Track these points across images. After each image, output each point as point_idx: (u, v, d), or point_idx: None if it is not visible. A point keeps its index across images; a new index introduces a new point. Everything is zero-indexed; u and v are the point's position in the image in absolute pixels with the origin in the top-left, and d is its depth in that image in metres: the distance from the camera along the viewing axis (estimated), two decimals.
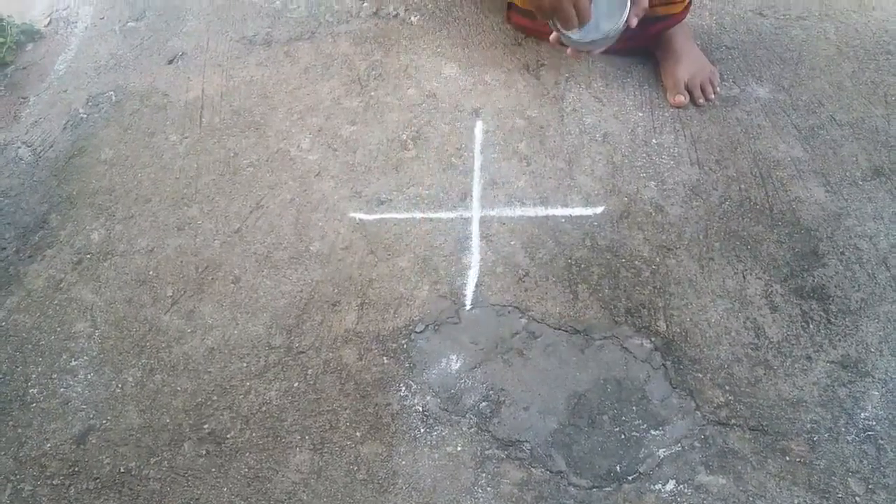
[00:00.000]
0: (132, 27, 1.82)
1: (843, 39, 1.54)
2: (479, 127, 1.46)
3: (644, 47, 1.51)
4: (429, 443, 1.09)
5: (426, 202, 1.36)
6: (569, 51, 1.25)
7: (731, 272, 1.21)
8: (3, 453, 1.15)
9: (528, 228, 1.30)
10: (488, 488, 1.04)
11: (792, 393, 1.09)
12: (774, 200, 1.29)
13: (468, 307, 1.22)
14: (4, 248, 1.39)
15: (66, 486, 1.10)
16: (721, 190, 1.32)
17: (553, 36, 1.22)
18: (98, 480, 1.10)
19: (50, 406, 1.19)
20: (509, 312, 1.21)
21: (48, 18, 1.89)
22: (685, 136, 1.40)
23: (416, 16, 1.70)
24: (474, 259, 1.27)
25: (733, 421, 1.07)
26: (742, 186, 1.32)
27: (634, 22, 1.18)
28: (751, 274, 1.21)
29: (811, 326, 1.15)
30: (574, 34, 1.19)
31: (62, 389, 1.20)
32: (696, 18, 1.61)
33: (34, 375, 1.22)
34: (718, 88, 1.46)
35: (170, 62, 1.70)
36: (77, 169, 1.51)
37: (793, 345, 1.13)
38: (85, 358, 1.23)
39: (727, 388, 1.10)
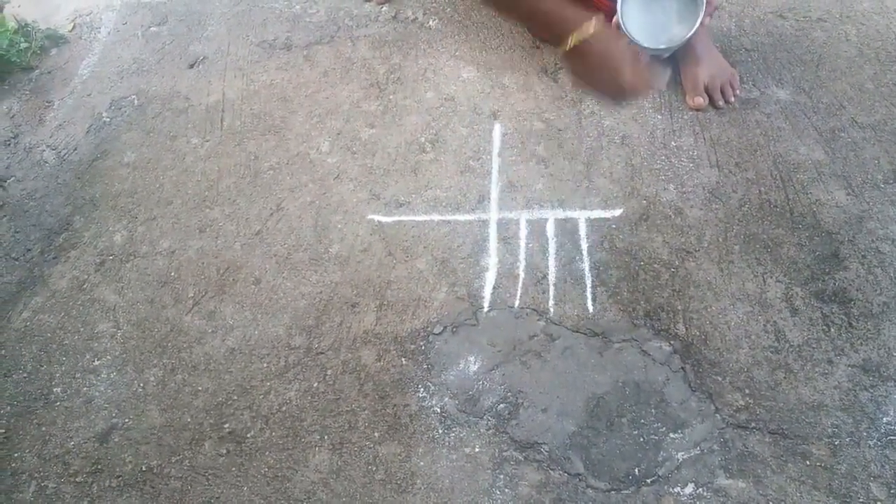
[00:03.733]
0: (154, 32, 1.84)
1: (865, 41, 1.53)
2: (496, 130, 1.46)
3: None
4: (447, 444, 1.09)
5: (444, 204, 1.36)
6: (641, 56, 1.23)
7: (751, 275, 1.21)
8: (27, 451, 1.16)
9: (546, 231, 1.30)
10: (506, 490, 1.04)
11: (813, 397, 1.08)
12: (795, 203, 1.28)
13: (486, 309, 1.23)
14: (30, 250, 1.42)
15: (88, 483, 1.12)
16: (741, 193, 1.31)
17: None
18: (120, 478, 1.12)
19: (73, 405, 1.20)
20: (527, 315, 1.21)
21: (72, 24, 1.92)
22: (704, 138, 1.40)
23: (434, 20, 1.71)
24: (492, 261, 1.28)
25: (753, 424, 1.06)
26: (762, 189, 1.31)
27: (708, 21, 1.16)
28: (771, 277, 1.20)
29: (832, 330, 1.14)
30: (646, 42, 1.17)
31: (85, 388, 1.22)
32: (716, 21, 1.60)
33: (58, 374, 1.24)
34: (738, 91, 1.46)
35: (191, 66, 1.72)
36: (100, 172, 1.54)
37: (813, 348, 1.12)
38: (108, 357, 1.25)
39: (747, 391, 1.09)
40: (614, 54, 1.11)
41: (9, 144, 1.63)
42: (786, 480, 1.01)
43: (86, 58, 1.82)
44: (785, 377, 1.10)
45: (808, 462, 1.02)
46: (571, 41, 1.07)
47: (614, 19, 1.13)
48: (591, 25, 1.08)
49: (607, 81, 1.11)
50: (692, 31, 1.14)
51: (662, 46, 1.17)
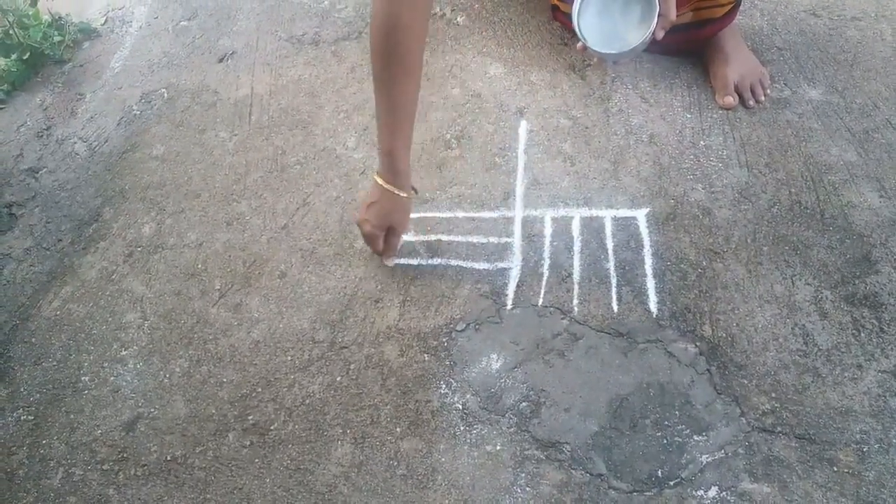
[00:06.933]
0: (184, 26, 1.86)
1: None
2: (523, 127, 1.45)
3: (694, 50, 1.49)
4: (468, 441, 1.09)
5: (469, 201, 1.36)
6: (595, 59, 1.25)
7: (780, 277, 1.19)
8: (55, 438, 1.18)
9: (572, 229, 1.29)
10: (527, 488, 1.04)
11: (841, 402, 1.06)
12: (826, 205, 1.26)
13: (509, 307, 1.22)
14: (60, 240, 1.44)
15: (115, 471, 1.14)
16: (770, 193, 1.29)
17: (580, 44, 1.23)
18: (146, 467, 1.13)
19: (101, 393, 1.22)
20: (551, 313, 1.21)
21: (104, 17, 1.95)
22: (734, 138, 1.38)
23: (462, 16, 1.71)
24: (516, 259, 1.27)
25: (779, 428, 1.05)
26: (792, 190, 1.29)
27: (661, 35, 1.18)
28: (800, 279, 1.18)
29: (862, 335, 1.12)
30: (598, 47, 1.20)
31: (113, 378, 1.24)
32: (748, 19, 1.58)
33: (86, 363, 1.26)
34: (768, 90, 1.44)
35: (220, 61, 1.74)
36: (130, 164, 1.56)
37: (843, 353, 1.10)
38: (135, 348, 1.27)
39: (773, 394, 1.08)
40: None
41: (41, 136, 1.66)
42: (812, 486, 1.00)
43: (117, 51, 1.84)
44: (813, 381, 1.08)
45: (835, 468, 1.01)
46: None
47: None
48: None
49: None
50: (645, 40, 1.15)
51: (613, 52, 1.19)
